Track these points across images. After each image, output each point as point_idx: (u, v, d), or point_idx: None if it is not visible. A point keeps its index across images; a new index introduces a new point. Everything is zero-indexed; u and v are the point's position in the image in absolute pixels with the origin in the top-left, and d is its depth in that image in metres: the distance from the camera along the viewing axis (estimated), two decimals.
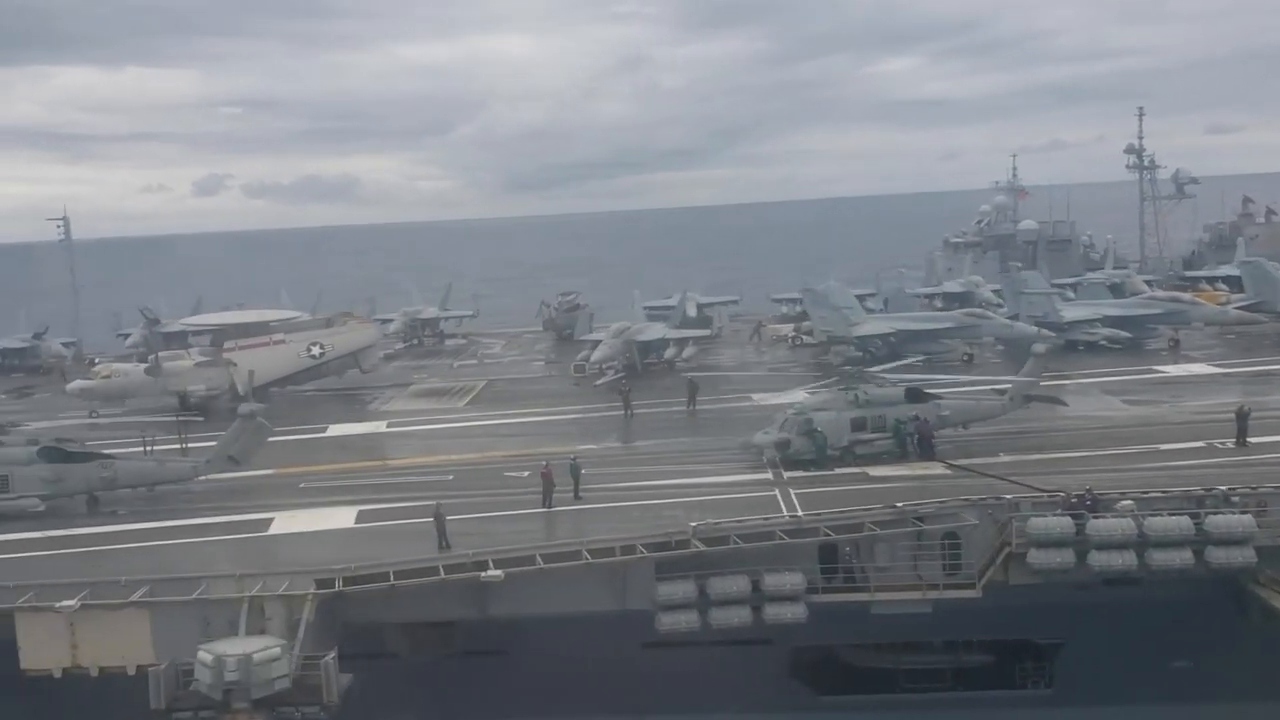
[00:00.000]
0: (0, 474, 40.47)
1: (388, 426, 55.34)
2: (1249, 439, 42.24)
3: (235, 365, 60.13)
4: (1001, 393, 45.76)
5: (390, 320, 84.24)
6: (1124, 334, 65.58)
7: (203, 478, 42.69)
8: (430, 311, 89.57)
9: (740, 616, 34.21)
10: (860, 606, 35.40)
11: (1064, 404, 46.93)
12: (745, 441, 44.33)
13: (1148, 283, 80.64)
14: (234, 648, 29.68)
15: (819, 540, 34.91)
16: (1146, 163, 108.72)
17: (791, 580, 34.20)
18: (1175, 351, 65.15)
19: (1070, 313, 67.01)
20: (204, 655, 29.54)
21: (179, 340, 76.96)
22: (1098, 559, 34.31)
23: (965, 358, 64.26)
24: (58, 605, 31.65)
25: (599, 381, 63.22)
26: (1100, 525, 34.38)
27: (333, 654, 30.42)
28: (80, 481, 41.27)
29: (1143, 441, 43.68)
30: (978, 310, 69.27)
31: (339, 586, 32.49)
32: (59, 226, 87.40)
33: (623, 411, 54.06)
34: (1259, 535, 34.28)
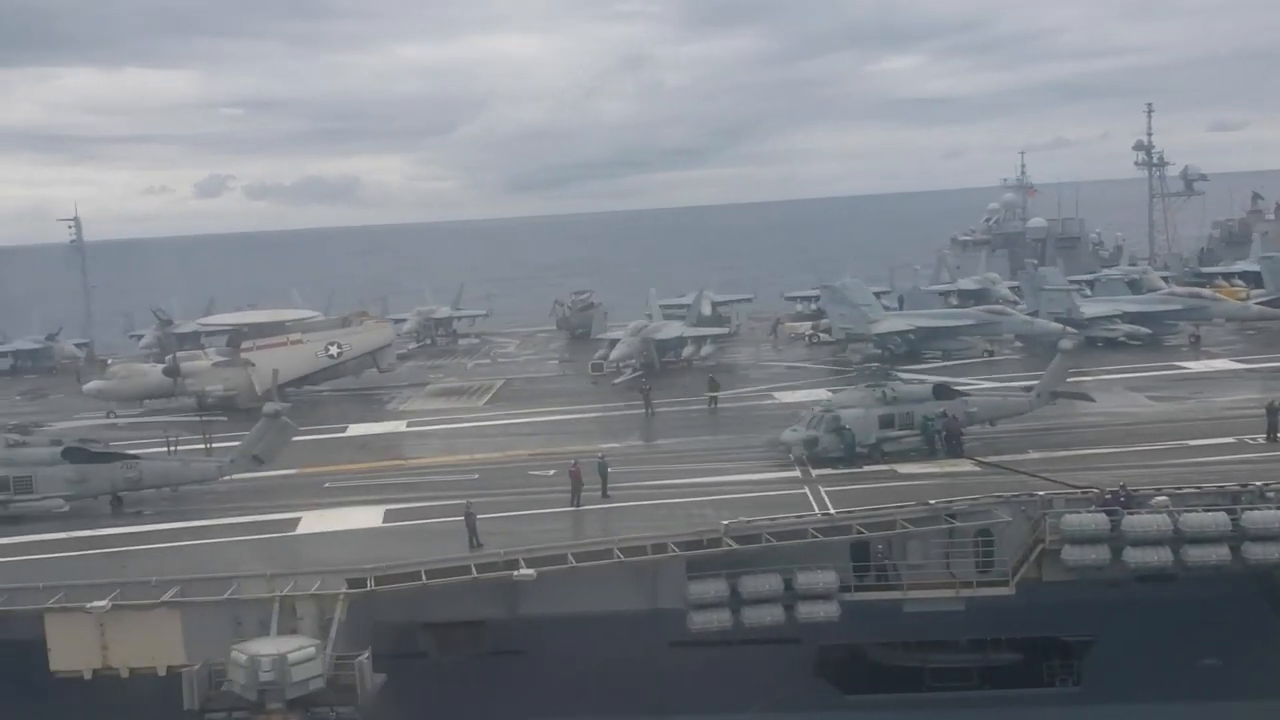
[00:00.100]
0: (24, 475, 40.26)
1: (407, 426, 55.12)
2: None
3: (253, 365, 59.96)
4: (1028, 389, 45.53)
5: (404, 320, 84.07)
6: (1144, 330, 65.33)
7: (227, 477, 42.45)
8: (443, 311, 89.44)
9: (773, 615, 33.94)
10: (891, 605, 35.16)
11: (1091, 400, 46.70)
12: (772, 439, 44.14)
13: (1164, 279, 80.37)
14: (268, 648, 29.39)
15: (851, 538, 34.66)
16: (1155, 159, 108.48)
17: (825, 578, 33.91)
18: (1196, 347, 64.86)
19: (1090, 309, 66.72)
20: (238, 655, 29.26)
21: (191, 341, 76.93)
22: (1133, 555, 34.04)
23: (986, 354, 64.05)
24: (89, 606, 31.37)
25: (617, 380, 63.00)
26: (1135, 521, 34.11)
27: (366, 654, 30.19)
28: (105, 482, 41.05)
29: (1172, 438, 43.41)
30: (998, 307, 69.02)
31: (371, 586, 32.23)
32: (70, 227, 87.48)
33: (643, 410, 53.86)
34: None
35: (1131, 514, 34.32)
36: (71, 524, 39.74)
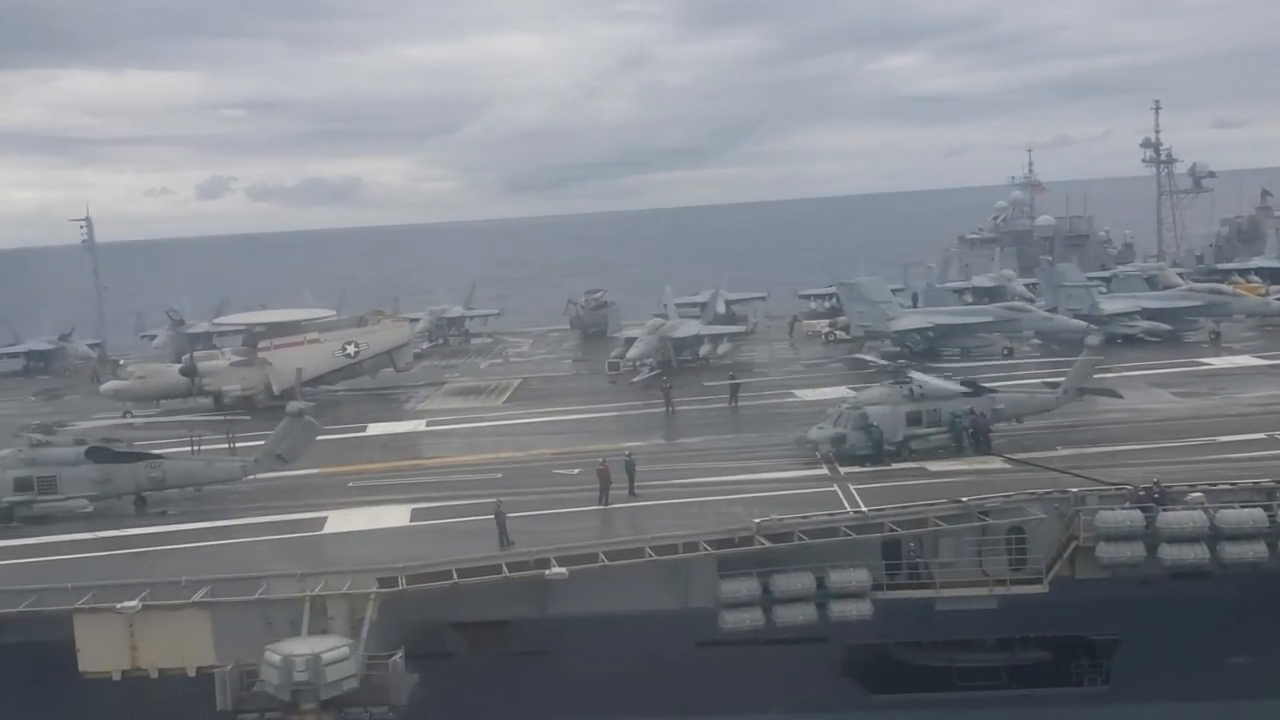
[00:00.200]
0: (48, 475, 40.07)
1: (427, 425, 54.90)
2: None
3: (270, 365, 59.75)
4: (1054, 386, 45.29)
5: (417, 319, 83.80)
6: (1164, 326, 65.10)
7: (250, 477, 42.22)
8: (456, 310, 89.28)
9: (805, 614, 33.72)
10: (922, 603, 34.92)
11: (1118, 396, 46.39)
12: (799, 437, 43.91)
13: (1179, 275, 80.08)
14: (301, 647, 29.11)
15: (883, 536, 34.42)
16: (1164, 157, 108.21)
17: (857, 577, 33.67)
18: (1217, 343, 64.63)
19: (1110, 305, 66.45)
20: (271, 655, 28.97)
21: (203, 341, 76.76)
22: (1169, 552, 33.83)
23: (1005, 352, 63.79)
24: (119, 606, 31.15)
25: (635, 379, 62.75)
26: (1171, 518, 33.90)
27: (400, 653, 29.97)
28: (128, 482, 40.82)
29: (1200, 434, 43.17)
30: (1017, 304, 68.71)
31: (402, 585, 32.00)
32: (82, 227, 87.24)
33: (664, 408, 53.64)
34: None
35: (1166, 510, 34.09)
36: (96, 524, 39.56)
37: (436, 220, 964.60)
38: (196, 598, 31.59)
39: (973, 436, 42.17)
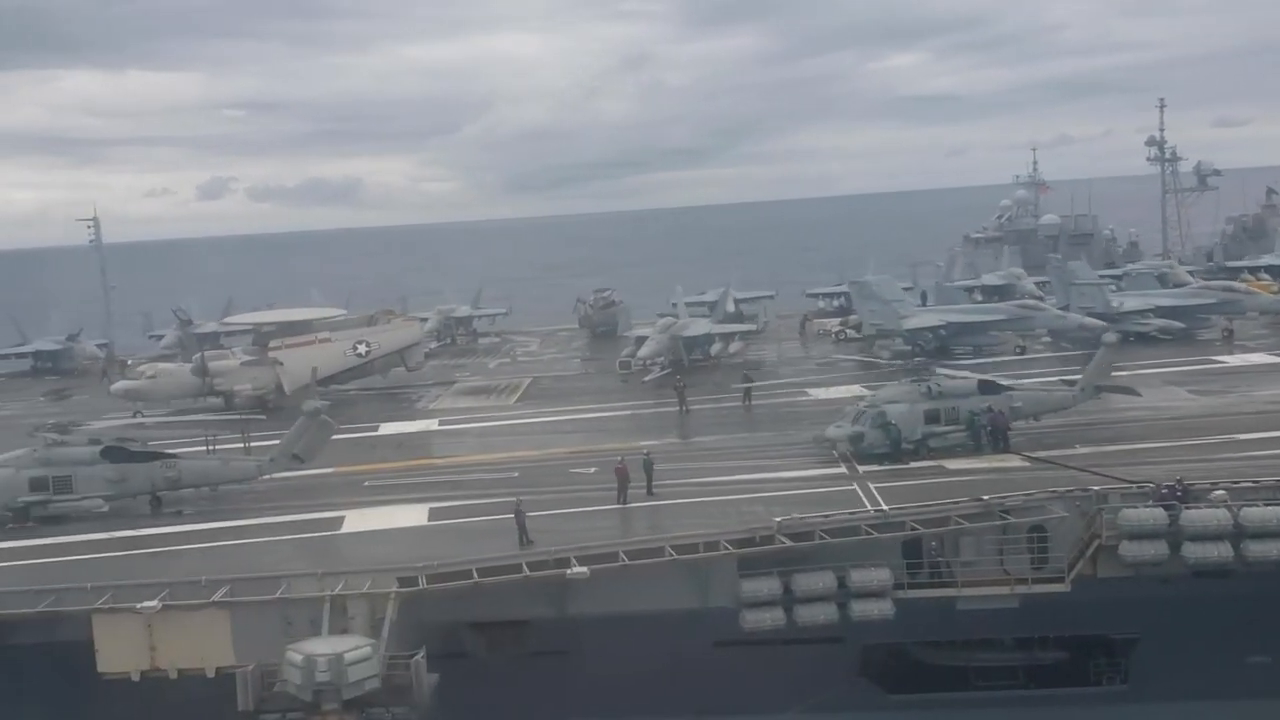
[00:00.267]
0: (64, 474, 39.88)
1: (439, 425, 54.70)
2: None
3: (281, 364, 59.58)
4: (1071, 384, 45.11)
5: (425, 319, 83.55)
6: (1177, 324, 64.93)
7: (266, 476, 42.05)
8: (464, 310, 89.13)
9: (826, 614, 33.55)
10: (942, 603, 34.76)
11: (1137, 394, 46.17)
12: (817, 435, 43.75)
13: (1190, 273, 80.00)
14: (323, 647, 29.00)
15: (904, 535, 34.25)
16: (1168, 155, 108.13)
17: (879, 576, 33.54)
18: (1230, 341, 64.47)
19: (1126, 303, 66.22)
20: (293, 655, 28.85)
21: (211, 341, 76.68)
22: (1192, 550, 33.64)
23: (1018, 350, 63.62)
24: (139, 606, 31.00)
25: (647, 378, 62.54)
26: (1195, 516, 33.69)
27: (421, 653, 29.86)
28: (144, 481, 40.66)
29: (1219, 431, 42.99)
30: (1030, 302, 68.48)
31: (423, 584, 31.83)
32: (89, 227, 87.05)
33: (677, 407, 53.46)
34: None
35: (1189, 508, 33.89)
36: (111, 524, 39.40)
37: (437, 221, 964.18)
38: (216, 598, 31.45)
39: (991, 434, 41.99)
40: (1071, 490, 35.68)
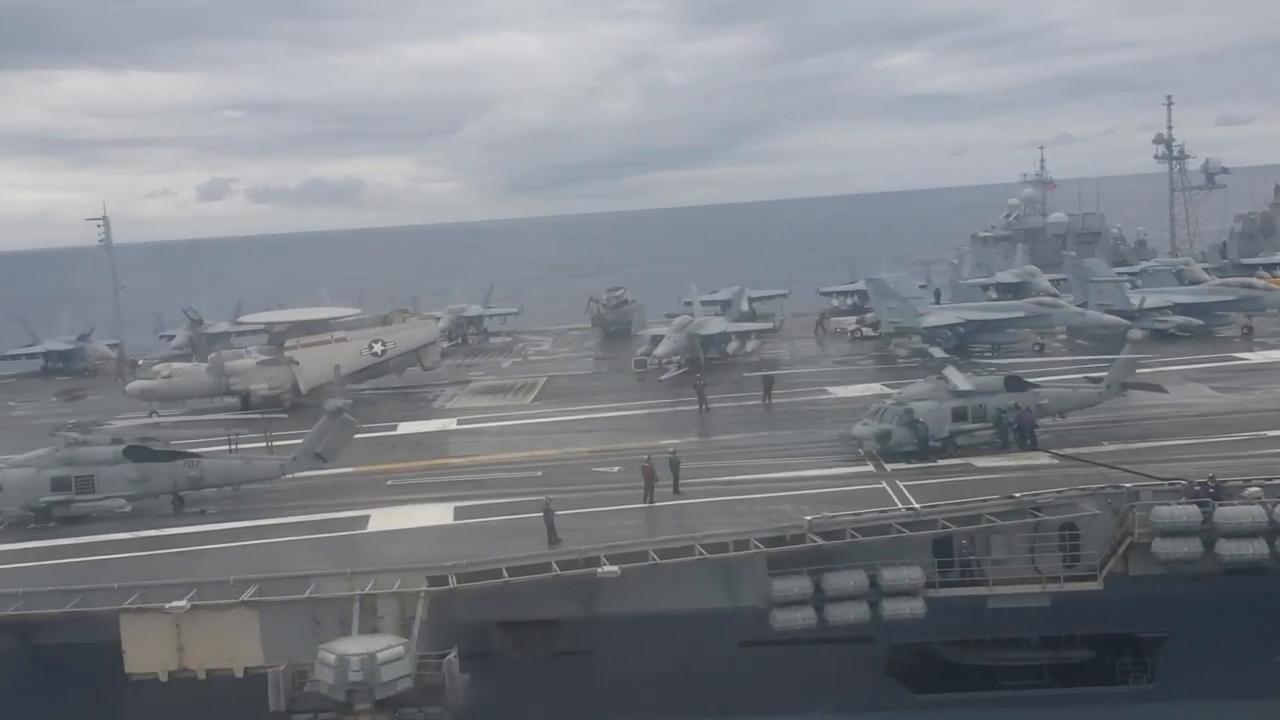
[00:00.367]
0: (86, 474, 39.68)
1: (458, 424, 54.43)
2: None
3: (297, 364, 59.35)
4: (1097, 381, 44.87)
5: (437, 318, 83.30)
6: (1195, 321, 64.67)
7: (288, 476, 41.82)
8: (475, 309, 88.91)
9: (858, 613, 33.36)
10: (973, 601, 34.51)
11: (1164, 391, 45.94)
12: (843, 433, 43.54)
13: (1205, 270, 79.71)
14: (355, 647, 28.79)
15: (935, 533, 34.03)
16: (1176, 153, 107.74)
17: (910, 574, 33.34)
18: (1249, 338, 64.24)
19: (1147, 300, 65.93)
20: (325, 655, 28.64)
21: (221, 341, 76.48)
22: (1226, 548, 33.39)
23: (1036, 348, 63.37)
24: (168, 606, 30.81)
25: (664, 377, 62.28)
26: (1229, 513, 33.45)
27: (453, 653, 29.67)
28: (166, 481, 40.45)
29: (1247, 428, 42.82)
30: (1047, 299, 68.20)
31: (452, 584, 31.61)
32: (99, 227, 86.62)
33: (695, 406, 53.24)
34: None
35: (1223, 505, 33.64)
36: (134, 524, 39.17)
37: (438, 221, 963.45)
38: (244, 597, 31.26)
39: (1018, 432, 41.76)
40: (1103, 487, 35.45)
